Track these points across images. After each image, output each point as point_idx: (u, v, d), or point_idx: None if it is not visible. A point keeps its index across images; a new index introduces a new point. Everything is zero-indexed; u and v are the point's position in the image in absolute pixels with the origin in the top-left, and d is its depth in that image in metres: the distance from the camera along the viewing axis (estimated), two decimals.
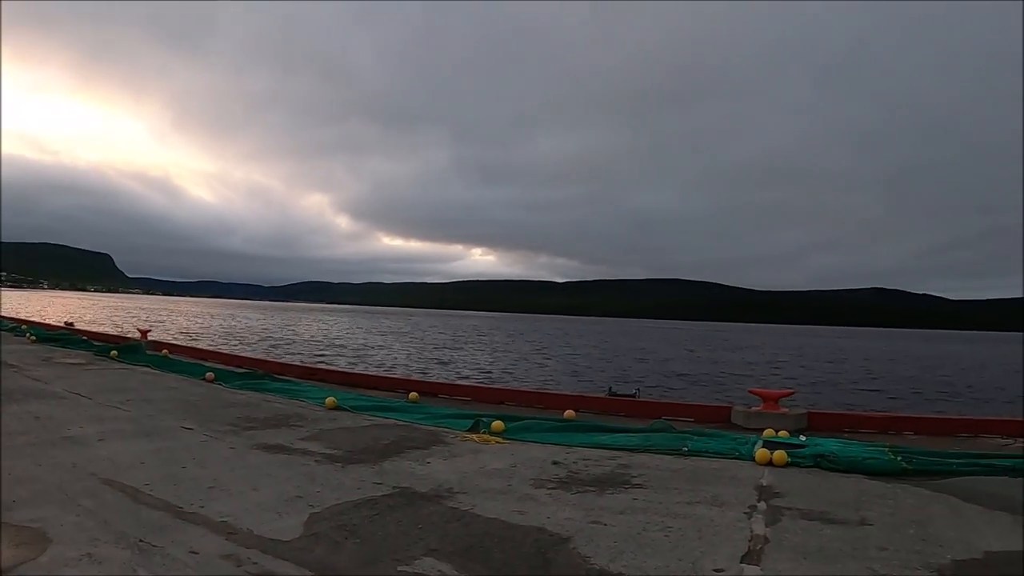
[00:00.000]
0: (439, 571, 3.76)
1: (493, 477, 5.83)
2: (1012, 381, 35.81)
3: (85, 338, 18.58)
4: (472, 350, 47.92)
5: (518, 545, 4.18)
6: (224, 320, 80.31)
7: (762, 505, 5.20)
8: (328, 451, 6.63)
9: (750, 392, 10.06)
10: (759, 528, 4.64)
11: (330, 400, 9.26)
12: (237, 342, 42.45)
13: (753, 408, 9.09)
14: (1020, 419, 9.60)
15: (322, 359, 32.39)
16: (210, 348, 21.82)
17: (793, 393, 10.34)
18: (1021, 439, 8.18)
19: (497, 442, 7.30)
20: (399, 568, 3.77)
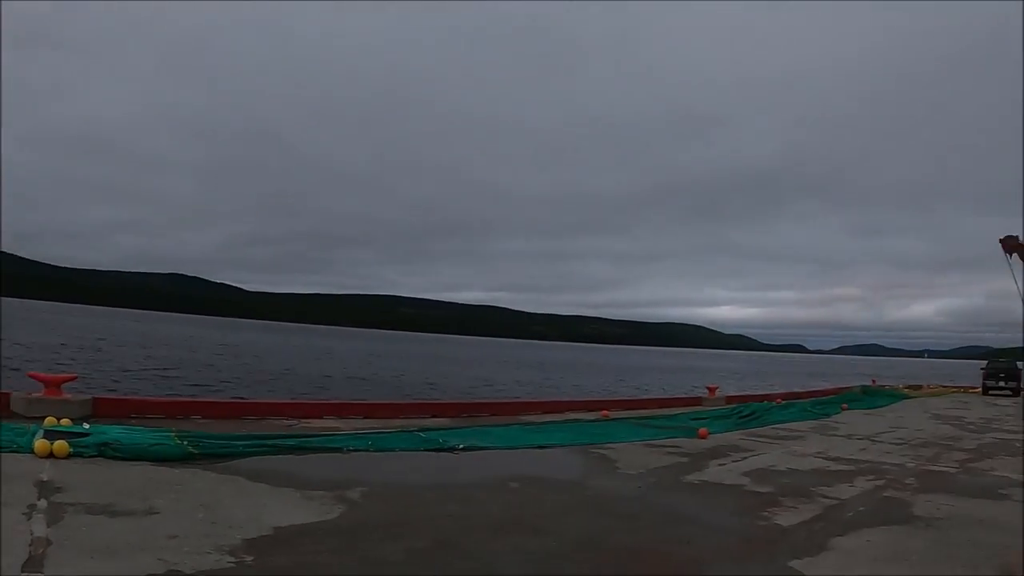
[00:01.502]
0: None
1: None
2: (304, 365, 40.85)
3: None
4: None
5: None
6: None
7: (43, 503, 4.89)
8: None
9: (29, 376, 9.30)
10: (40, 530, 4.35)
11: None
12: None
13: (34, 394, 8.37)
14: (305, 401, 11.44)
15: None
16: None
17: (76, 377, 9.87)
18: (304, 420, 9.68)
19: None
20: None
